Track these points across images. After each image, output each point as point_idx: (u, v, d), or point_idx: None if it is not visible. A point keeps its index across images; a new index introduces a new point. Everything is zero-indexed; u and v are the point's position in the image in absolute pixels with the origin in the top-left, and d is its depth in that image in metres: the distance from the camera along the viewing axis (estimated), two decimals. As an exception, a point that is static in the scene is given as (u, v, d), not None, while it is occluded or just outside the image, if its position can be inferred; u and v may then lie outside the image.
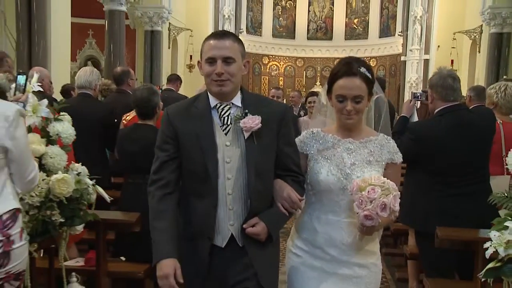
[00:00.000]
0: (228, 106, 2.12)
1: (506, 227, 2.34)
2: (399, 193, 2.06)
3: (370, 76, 2.19)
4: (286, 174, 2.18)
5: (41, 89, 2.63)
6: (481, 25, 12.53)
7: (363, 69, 2.16)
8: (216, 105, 2.12)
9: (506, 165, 2.57)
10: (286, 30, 17.64)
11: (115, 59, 11.02)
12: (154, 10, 12.70)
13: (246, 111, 2.09)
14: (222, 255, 2.10)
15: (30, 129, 2.54)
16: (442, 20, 14.28)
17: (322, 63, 17.62)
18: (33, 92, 2.59)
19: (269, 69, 17.31)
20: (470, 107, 3.93)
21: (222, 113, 2.11)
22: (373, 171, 2.17)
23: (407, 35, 15.00)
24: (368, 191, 2.02)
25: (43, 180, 2.43)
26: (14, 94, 2.51)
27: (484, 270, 2.38)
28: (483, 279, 2.43)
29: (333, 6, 17.78)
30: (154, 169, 2.13)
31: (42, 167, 2.49)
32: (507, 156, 2.58)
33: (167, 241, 2.02)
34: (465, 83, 13.21)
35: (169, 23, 13.45)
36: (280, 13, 17.74)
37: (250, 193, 2.09)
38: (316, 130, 2.29)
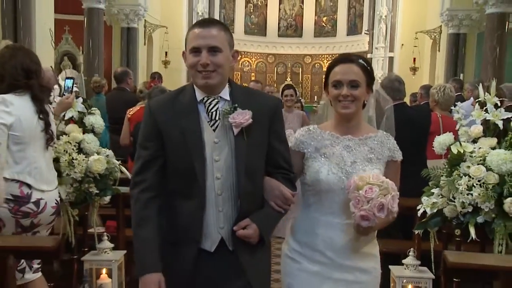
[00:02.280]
0: (216, 100, 2.02)
1: (432, 193, 3.24)
2: (398, 193, 2.03)
3: (368, 68, 2.17)
4: (276, 172, 2.10)
5: (77, 89, 3.39)
6: (440, 26, 13.55)
7: (360, 60, 2.17)
8: (203, 99, 2.02)
9: (433, 147, 3.45)
10: (257, 28, 18.38)
11: (94, 55, 11.64)
12: (130, 7, 13.25)
13: (236, 105, 2.00)
14: (211, 261, 2.01)
15: (69, 121, 3.32)
16: (406, 20, 15.22)
17: (292, 60, 18.39)
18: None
19: (241, 65, 18.01)
20: (421, 103, 4.85)
21: (210, 107, 2.02)
22: (374, 169, 2.12)
23: (373, 33, 15.83)
24: (366, 190, 1.96)
25: (82, 160, 3.21)
26: (63, 95, 3.25)
27: (416, 224, 3.29)
28: (416, 232, 3.33)
29: (303, 4, 18.53)
30: (136, 169, 2.03)
31: (81, 150, 3.27)
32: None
33: (151, 252, 1.94)
34: (426, 80, 14.31)
35: (145, 20, 14.03)
36: (251, 10, 18.41)
37: (240, 193, 2.00)
38: (312, 127, 2.25)
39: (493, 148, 3.08)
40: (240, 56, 19.01)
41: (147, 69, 13.90)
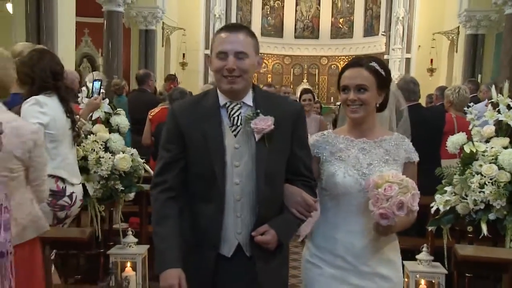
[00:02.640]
0: (239, 106, 2.04)
1: (445, 191, 3.35)
2: (418, 192, 2.00)
3: (380, 70, 2.15)
4: (297, 179, 2.10)
5: (104, 91, 3.57)
6: (458, 27, 13.54)
7: (373, 63, 2.15)
8: (226, 103, 2.03)
9: (446, 147, 3.56)
10: (274, 29, 18.55)
11: (113, 57, 11.85)
12: (149, 10, 13.48)
13: (258, 111, 2.00)
14: (227, 266, 2.02)
15: (96, 121, 3.50)
16: (423, 21, 15.24)
17: (309, 61, 18.52)
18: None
19: (258, 66, 18.20)
20: (437, 104, 4.95)
21: (232, 112, 2.03)
22: (391, 170, 2.10)
23: (389, 34, 15.84)
24: (385, 188, 1.94)
25: (109, 158, 3.38)
26: (91, 96, 3.43)
27: (430, 221, 3.40)
28: (430, 229, 3.45)
29: (319, 6, 18.68)
30: (158, 170, 2.06)
31: (107, 149, 3.45)
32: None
33: (171, 249, 1.95)
34: (443, 81, 14.31)
35: (163, 22, 14.27)
36: (268, 12, 18.62)
37: (259, 199, 1.99)
38: (327, 132, 2.26)
39: (505, 148, 3.18)
40: (257, 58, 19.16)
41: (164, 71, 14.12)
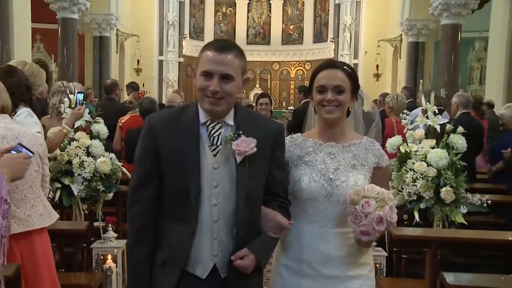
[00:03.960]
0: (220, 125, 1.99)
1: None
2: (395, 202, 2.00)
3: (353, 75, 2.17)
4: (272, 199, 2.08)
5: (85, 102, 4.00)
6: (401, 35, 14.50)
7: (345, 67, 2.17)
8: (207, 121, 1.99)
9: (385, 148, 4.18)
10: (226, 35, 18.96)
11: (68, 64, 12.02)
12: (103, 16, 13.69)
13: (240, 132, 1.96)
14: (201, 287, 1.98)
15: (77, 129, 3.92)
16: (368, 28, 16.14)
17: (261, 66, 19.13)
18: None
19: (211, 72, 18.65)
20: (379, 109, 5.59)
21: (213, 131, 1.99)
22: (358, 175, 2.11)
23: (338, 41, 16.67)
24: (362, 205, 1.93)
25: (91, 161, 3.81)
26: (74, 107, 3.84)
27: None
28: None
29: (270, 13, 19.32)
30: (133, 185, 2.03)
31: (89, 154, 3.87)
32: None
33: (141, 275, 1.98)
34: (389, 85, 15.23)
35: (117, 29, 14.49)
36: (221, 19, 19.12)
37: (238, 221, 1.96)
38: (295, 135, 2.25)
39: (433, 148, 3.83)
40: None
41: (119, 77, 14.34)
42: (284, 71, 19.22)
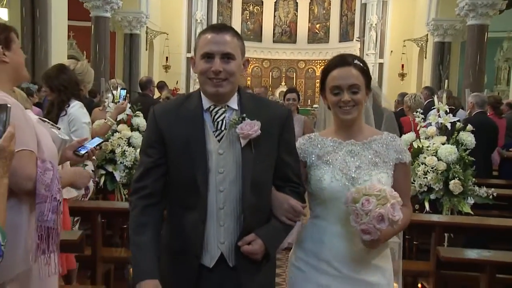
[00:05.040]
0: (223, 109, 1.97)
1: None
2: (399, 200, 1.92)
3: (365, 68, 2.10)
4: (284, 185, 2.04)
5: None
6: (427, 35, 14.75)
7: (357, 61, 2.09)
8: (210, 107, 1.97)
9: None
10: (253, 34, 19.51)
11: (100, 60, 12.65)
12: (133, 15, 14.32)
13: (244, 115, 1.94)
14: (209, 277, 1.95)
15: (120, 122, 4.41)
16: (394, 28, 16.41)
17: (287, 65, 19.60)
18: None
19: (237, 69, 19.18)
20: (398, 109, 5.96)
21: (216, 117, 1.96)
22: (381, 173, 2.06)
23: (363, 40, 16.96)
24: (362, 203, 1.89)
25: (132, 151, 4.29)
26: (117, 102, 4.33)
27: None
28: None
29: (297, 12, 19.76)
30: (137, 175, 1.98)
31: (130, 144, 4.36)
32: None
33: (148, 260, 1.89)
34: (414, 85, 15.48)
35: (147, 27, 15.09)
36: (248, 17, 19.63)
37: (244, 207, 1.92)
38: (313, 135, 2.20)
39: (443, 144, 4.20)
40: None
41: (148, 73, 14.87)
42: (309, 70, 19.59)
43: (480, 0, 11.41)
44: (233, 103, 1.99)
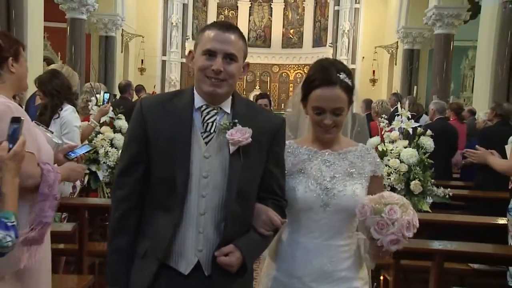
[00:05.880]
0: (215, 111, 1.89)
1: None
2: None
3: (350, 84, 2.03)
4: (268, 197, 1.98)
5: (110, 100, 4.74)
6: (397, 42, 15.28)
7: (342, 75, 2.00)
8: (202, 106, 1.89)
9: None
10: (228, 38, 19.89)
11: (76, 62, 12.78)
12: (109, 17, 14.45)
13: (236, 121, 1.87)
14: (184, 284, 1.88)
15: (103, 124, 4.67)
16: (366, 35, 16.94)
17: (261, 69, 20.01)
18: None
19: (212, 73, 19.48)
20: (365, 114, 6.35)
21: (207, 117, 1.89)
22: (356, 183, 2.02)
23: (336, 46, 17.49)
24: (388, 212, 1.83)
25: (114, 152, 4.56)
26: (101, 105, 4.59)
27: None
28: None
29: (271, 17, 20.22)
30: (118, 171, 1.95)
31: (112, 145, 4.62)
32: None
33: (122, 265, 1.90)
34: (385, 90, 15.99)
35: (122, 29, 15.22)
36: (222, 21, 20.03)
37: (227, 215, 1.86)
38: (288, 142, 2.13)
39: (405, 147, 4.58)
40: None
41: (123, 76, 15.07)
42: (283, 74, 20.02)
43: (446, 11, 12.00)
44: (227, 106, 1.93)
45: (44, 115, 3.80)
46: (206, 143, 1.88)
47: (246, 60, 1.97)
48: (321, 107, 2.00)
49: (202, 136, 1.88)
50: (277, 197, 2.00)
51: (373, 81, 16.39)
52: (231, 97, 1.95)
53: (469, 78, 16.75)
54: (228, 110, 1.92)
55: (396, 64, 15.63)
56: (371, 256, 1.98)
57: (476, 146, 4.38)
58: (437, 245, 3.10)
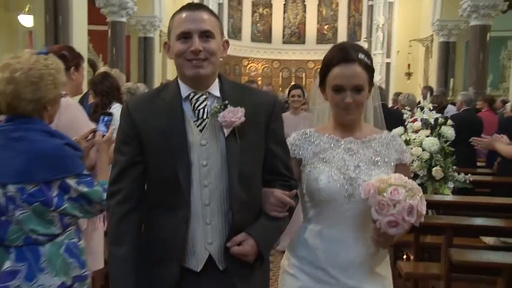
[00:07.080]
0: (204, 97, 1.83)
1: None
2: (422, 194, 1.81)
3: (369, 63, 1.97)
4: (274, 179, 1.91)
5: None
6: (432, 35, 15.29)
7: (361, 55, 1.95)
8: (189, 95, 1.82)
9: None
10: (263, 35, 20.30)
11: (117, 63, 13.41)
12: (147, 19, 15.00)
13: (226, 102, 1.80)
14: (197, 282, 1.81)
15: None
16: (401, 28, 17.00)
17: (296, 65, 20.42)
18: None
19: (248, 70, 20.02)
20: (395, 107, 6.71)
21: (197, 104, 1.82)
22: (381, 173, 1.92)
23: (371, 40, 17.68)
24: (391, 192, 1.75)
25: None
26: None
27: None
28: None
29: (305, 13, 20.58)
30: (113, 177, 1.85)
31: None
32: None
33: (127, 275, 1.79)
34: (420, 84, 16.08)
35: (160, 30, 15.72)
36: (257, 19, 20.46)
37: (232, 203, 1.79)
38: (309, 131, 2.07)
39: (427, 136, 4.93)
40: (247, 62, 20.97)
41: (162, 75, 15.65)
42: (318, 70, 20.17)
43: (482, 2, 12.01)
44: (215, 89, 1.87)
45: (97, 113, 4.31)
46: (201, 130, 1.82)
47: (225, 38, 1.92)
48: (341, 85, 1.94)
49: (196, 124, 1.83)
50: (284, 178, 1.93)
51: (409, 74, 16.43)
52: (218, 80, 1.89)
53: (508, 68, 16.57)
54: (218, 94, 1.87)
55: (431, 57, 15.63)
56: (373, 241, 1.90)
57: (494, 134, 4.69)
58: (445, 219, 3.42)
